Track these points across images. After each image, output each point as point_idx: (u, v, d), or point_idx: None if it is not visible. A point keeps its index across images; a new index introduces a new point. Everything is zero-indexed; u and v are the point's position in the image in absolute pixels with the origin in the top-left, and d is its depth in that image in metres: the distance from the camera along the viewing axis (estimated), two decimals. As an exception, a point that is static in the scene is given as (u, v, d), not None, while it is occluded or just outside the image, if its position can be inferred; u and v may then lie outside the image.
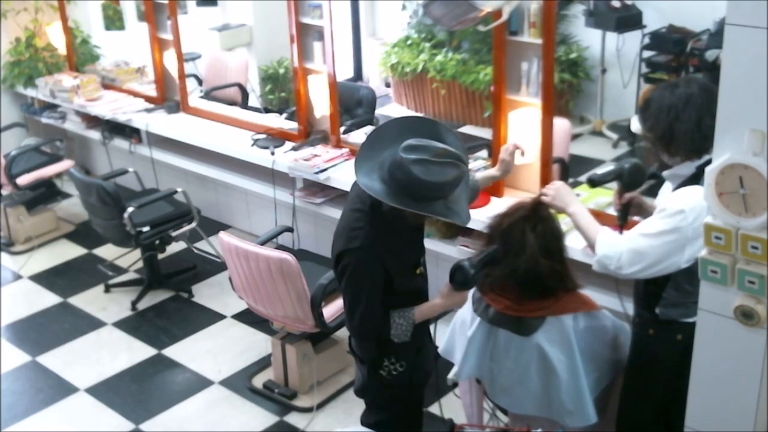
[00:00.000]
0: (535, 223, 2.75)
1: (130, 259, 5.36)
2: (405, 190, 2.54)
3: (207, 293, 5.08)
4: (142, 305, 4.99)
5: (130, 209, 4.72)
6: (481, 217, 3.52)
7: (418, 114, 6.88)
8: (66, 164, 5.86)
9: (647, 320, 2.75)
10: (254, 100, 6.71)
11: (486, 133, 5.16)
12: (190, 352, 4.54)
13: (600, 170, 2.79)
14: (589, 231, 2.69)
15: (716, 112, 2.33)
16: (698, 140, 2.49)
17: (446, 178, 2.52)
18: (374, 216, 2.70)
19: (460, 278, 2.69)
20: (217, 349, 4.54)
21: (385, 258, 2.72)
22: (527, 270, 2.71)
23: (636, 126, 2.68)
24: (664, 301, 2.67)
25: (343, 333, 4.12)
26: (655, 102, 2.56)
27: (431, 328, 3.09)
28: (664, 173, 2.65)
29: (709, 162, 2.41)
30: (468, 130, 6.73)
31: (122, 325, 4.84)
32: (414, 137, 2.57)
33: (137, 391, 4.27)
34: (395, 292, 2.79)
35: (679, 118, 2.49)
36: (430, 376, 3.11)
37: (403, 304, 2.83)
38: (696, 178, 2.49)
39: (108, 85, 6.16)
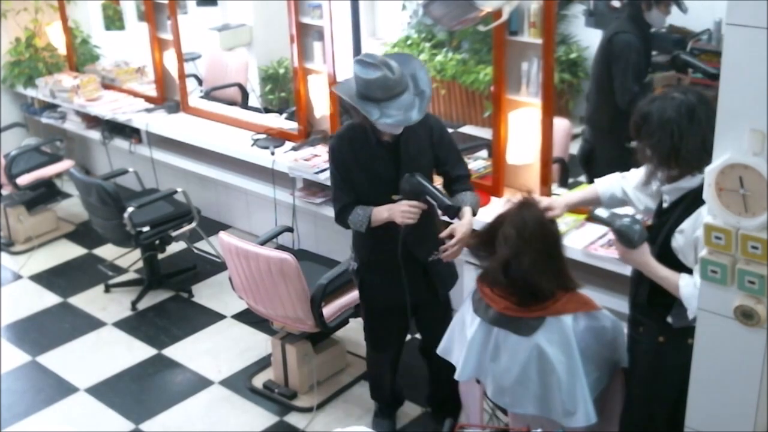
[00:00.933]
0: (526, 222, 2.77)
1: (130, 259, 5.36)
2: (356, 88, 3.07)
3: (207, 293, 5.08)
4: (142, 305, 4.99)
5: (130, 209, 4.72)
6: (481, 217, 3.52)
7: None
8: (66, 164, 5.86)
9: (656, 329, 2.69)
10: (254, 100, 6.71)
11: (486, 133, 5.16)
12: (190, 352, 4.54)
13: (606, 213, 2.69)
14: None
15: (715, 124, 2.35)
16: (705, 157, 2.37)
17: (371, 76, 2.99)
18: (351, 124, 3.26)
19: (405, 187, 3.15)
20: (217, 349, 4.54)
21: (347, 155, 3.23)
22: (518, 269, 2.73)
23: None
24: (676, 310, 2.60)
25: (343, 333, 4.14)
26: (655, 116, 2.46)
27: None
28: (664, 188, 2.59)
29: None
30: (468, 130, 6.72)
31: (122, 325, 4.84)
32: (393, 59, 3.07)
33: (137, 391, 4.27)
34: (366, 199, 3.23)
35: (684, 136, 2.41)
36: (387, 301, 3.43)
37: (379, 229, 3.23)
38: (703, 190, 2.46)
39: (108, 85, 6.16)
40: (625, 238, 2.59)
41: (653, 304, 2.67)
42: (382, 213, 3.20)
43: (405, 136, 3.17)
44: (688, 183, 2.51)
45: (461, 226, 3.13)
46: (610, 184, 2.92)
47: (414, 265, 3.31)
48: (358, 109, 3.06)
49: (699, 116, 2.41)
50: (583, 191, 3.04)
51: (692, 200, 2.49)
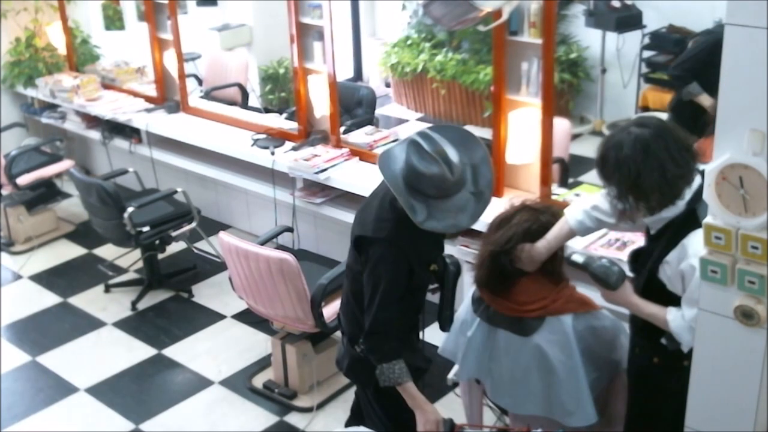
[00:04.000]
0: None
1: (130, 259, 5.36)
2: (404, 173, 2.64)
3: (207, 293, 5.08)
4: (142, 305, 4.99)
5: (130, 209, 4.72)
6: (482, 217, 3.52)
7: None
8: (66, 164, 5.86)
9: (650, 349, 2.65)
10: (254, 100, 6.71)
11: (486, 133, 5.15)
12: (190, 352, 4.54)
13: (581, 257, 2.61)
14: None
15: (677, 155, 2.33)
16: (667, 191, 2.38)
17: (429, 170, 2.59)
18: (401, 211, 2.68)
19: None
20: (217, 349, 4.54)
21: (411, 254, 2.73)
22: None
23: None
24: (671, 333, 2.55)
25: (343, 333, 4.13)
26: (611, 159, 2.40)
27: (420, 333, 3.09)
28: (646, 220, 2.53)
29: (697, 198, 2.39)
30: (468, 130, 6.72)
31: (122, 325, 4.84)
32: (455, 145, 2.66)
33: (137, 391, 4.27)
34: (416, 293, 2.83)
35: (642, 173, 2.35)
36: (417, 371, 3.01)
37: (410, 297, 2.83)
38: (688, 218, 2.41)
39: (108, 85, 6.16)
40: (603, 281, 2.55)
41: (648, 325, 2.63)
42: (418, 398, 2.82)
43: None
44: (669, 213, 2.45)
45: None
46: (579, 213, 2.78)
47: None
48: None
49: (654, 151, 2.34)
50: (555, 231, 2.84)
51: (677, 228, 2.46)
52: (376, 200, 2.83)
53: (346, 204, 4.55)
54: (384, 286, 2.72)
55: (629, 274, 2.71)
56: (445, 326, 3.00)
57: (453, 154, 2.64)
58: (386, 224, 2.73)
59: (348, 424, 3.37)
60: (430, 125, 2.83)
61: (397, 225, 2.71)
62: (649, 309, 2.55)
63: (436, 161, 2.59)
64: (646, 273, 2.56)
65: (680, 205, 2.43)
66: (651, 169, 2.35)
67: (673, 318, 2.48)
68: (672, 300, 2.52)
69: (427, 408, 2.85)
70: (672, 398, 2.58)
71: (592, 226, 2.77)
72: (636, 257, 2.68)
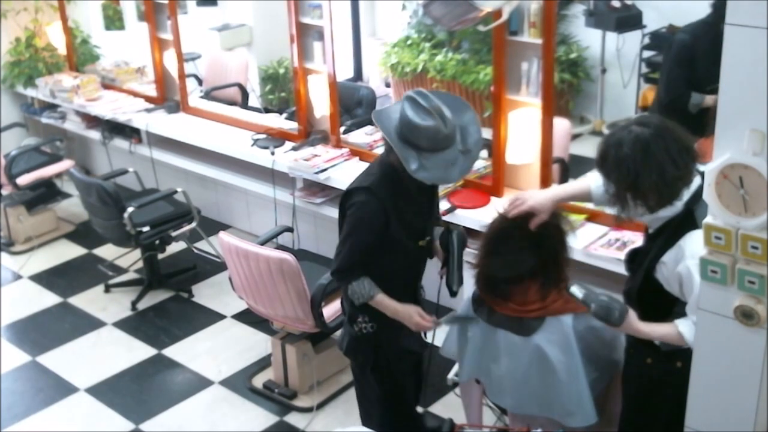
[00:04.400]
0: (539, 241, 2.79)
1: (130, 259, 5.36)
2: (398, 127, 2.79)
3: (207, 293, 5.08)
4: (142, 305, 4.99)
5: (130, 209, 4.72)
6: (481, 218, 3.53)
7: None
8: (66, 164, 5.86)
9: (643, 350, 2.65)
10: (254, 100, 6.71)
11: (486, 133, 5.15)
12: (190, 352, 4.54)
13: (581, 292, 2.56)
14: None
15: (677, 156, 2.33)
16: (665, 192, 2.38)
17: (424, 123, 2.73)
18: (388, 167, 2.89)
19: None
20: (217, 349, 4.54)
21: (388, 208, 2.86)
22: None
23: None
24: None
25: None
26: (610, 157, 2.41)
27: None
28: (644, 218, 2.53)
29: (695, 199, 2.39)
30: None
31: (122, 325, 4.84)
32: (447, 106, 2.81)
33: (137, 391, 4.27)
34: (394, 254, 2.94)
35: (640, 173, 2.35)
36: (411, 354, 3.17)
37: (399, 269, 3.00)
38: (686, 219, 2.41)
39: (108, 85, 6.16)
40: (604, 319, 2.52)
41: None
42: (390, 305, 2.96)
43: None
44: (667, 212, 2.45)
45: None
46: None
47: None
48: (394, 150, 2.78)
49: (653, 151, 2.35)
50: (574, 185, 2.96)
51: (674, 229, 2.45)
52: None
53: (346, 204, 4.55)
54: (358, 229, 2.89)
55: (628, 273, 2.71)
56: (453, 288, 3.01)
57: (447, 111, 2.79)
58: (370, 177, 2.91)
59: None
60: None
61: (381, 179, 2.88)
62: (658, 331, 2.51)
63: (431, 114, 2.74)
64: (643, 273, 2.55)
65: (678, 206, 2.43)
66: (650, 169, 2.35)
67: (687, 330, 2.43)
68: (668, 299, 2.51)
69: (403, 310, 2.97)
70: (666, 399, 2.58)
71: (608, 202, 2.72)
72: (633, 257, 2.68)
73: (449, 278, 3.02)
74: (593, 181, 2.76)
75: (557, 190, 2.94)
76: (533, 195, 2.80)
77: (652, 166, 2.34)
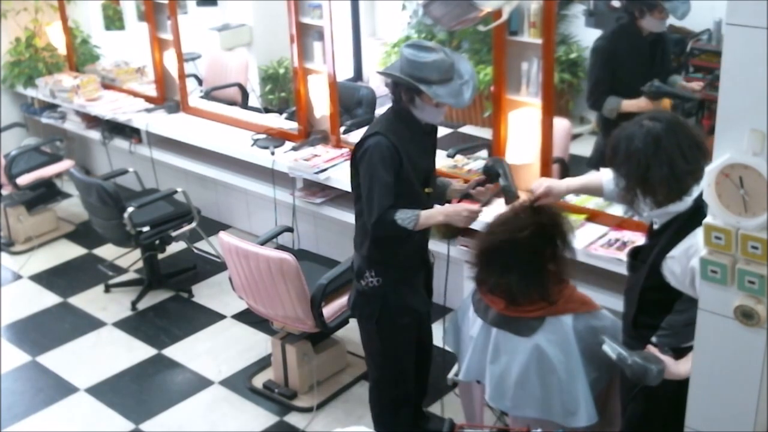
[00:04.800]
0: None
1: (130, 259, 5.36)
2: (407, 71, 3.00)
3: (207, 293, 5.08)
4: (142, 305, 4.99)
5: (130, 209, 4.72)
6: (481, 217, 3.51)
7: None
8: (66, 164, 5.86)
9: (640, 349, 2.59)
10: (254, 100, 6.71)
11: (486, 133, 5.15)
12: (190, 352, 4.54)
13: (614, 352, 2.53)
14: None
15: (688, 151, 2.34)
16: (675, 187, 2.39)
17: (430, 57, 2.97)
18: (394, 114, 3.12)
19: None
20: (217, 349, 4.54)
21: (401, 149, 3.04)
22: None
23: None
24: (661, 331, 2.57)
25: (343, 333, 4.13)
26: (622, 148, 2.43)
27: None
28: (652, 213, 2.52)
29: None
30: (468, 130, 6.72)
31: (122, 325, 4.84)
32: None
33: (137, 391, 4.27)
34: (405, 201, 3.07)
35: (651, 167, 2.37)
36: (412, 315, 3.27)
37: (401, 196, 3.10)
38: (694, 215, 2.38)
39: (108, 85, 6.16)
40: (640, 380, 2.47)
41: (638, 325, 2.64)
42: (435, 216, 3.10)
43: (431, 127, 3.22)
44: (677, 207, 2.45)
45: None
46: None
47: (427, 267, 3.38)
48: (411, 91, 3.01)
49: (665, 145, 2.36)
50: (587, 177, 2.98)
51: (682, 224, 2.45)
52: None
53: (346, 204, 4.54)
54: (374, 175, 3.04)
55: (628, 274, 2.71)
56: (512, 195, 3.08)
57: (442, 47, 3.04)
58: (378, 125, 3.14)
59: None
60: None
61: (389, 124, 3.10)
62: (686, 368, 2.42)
63: (434, 49, 3.00)
64: (648, 267, 2.55)
65: (688, 201, 2.44)
66: (660, 163, 2.36)
67: None
68: (670, 296, 2.51)
69: (452, 209, 3.12)
70: (666, 399, 2.58)
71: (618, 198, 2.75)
72: (635, 254, 2.68)
73: (507, 192, 3.10)
74: (605, 175, 2.79)
75: (572, 181, 3.02)
76: (551, 180, 2.92)
77: (662, 160, 2.36)
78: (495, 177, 3.15)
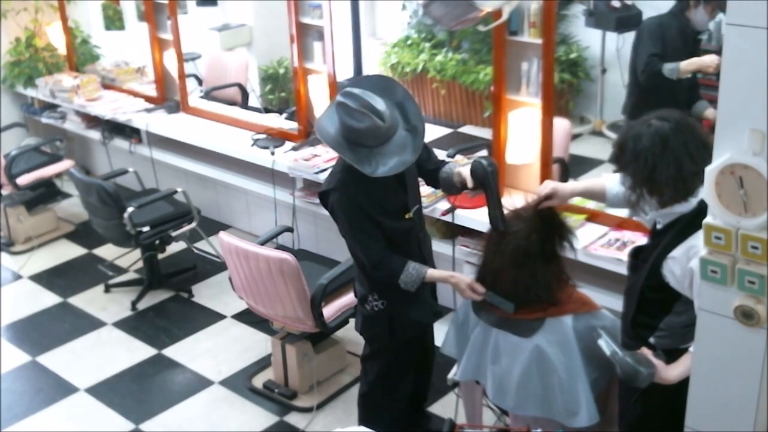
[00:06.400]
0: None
1: (130, 259, 5.36)
2: (343, 133, 2.88)
3: (207, 293, 5.08)
4: (142, 305, 4.99)
5: (130, 209, 4.72)
6: (481, 217, 3.52)
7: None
8: (66, 164, 5.86)
9: (637, 349, 2.60)
10: (254, 100, 6.71)
11: (486, 133, 5.15)
12: (190, 352, 4.54)
13: (608, 348, 2.56)
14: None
15: (695, 152, 2.33)
16: (681, 187, 2.38)
17: (362, 125, 2.81)
18: (347, 167, 2.96)
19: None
20: (217, 349, 4.54)
21: (362, 200, 2.97)
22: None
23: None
24: (659, 332, 2.58)
25: (343, 333, 4.13)
26: (629, 149, 2.42)
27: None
28: (656, 213, 2.52)
29: None
30: (468, 130, 6.72)
31: (122, 325, 4.84)
32: (376, 93, 2.86)
33: (137, 391, 4.27)
34: (385, 233, 3.03)
35: (658, 166, 2.36)
36: (420, 328, 3.30)
37: (392, 244, 3.06)
38: (698, 216, 2.33)
39: (108, 85, 6.16)
40: (630, 382, 2.49)
41: (637, 325, 2.63)
42: (442, 273, 3.07)
43: None
44: (681, 208, 2.45)
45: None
46: (618, 182, 2.81)
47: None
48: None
49: (672, 145, 2.35)
50: (591, 182, 2.97)
51: (685, 224, 2.45)
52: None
53: (346, 204, 4.55)
54: (351, 228, 3.01)
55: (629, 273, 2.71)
56: (497, 225, 2.91)
57: (379, 103, 2.84)
58: (335, 176, 3.03)
59: None
60: (352, 84, 2.98)
61: (344, 176, 2.98)
62: (688, 364, 2.43)
63: (365, 115, 2.81)
64: (649, 267, 2.55)
65: (693, 202, 2.43)
66: (667, 163, 2.35)
67: None
68: (670, 297, 2.51)
69: (453, 278, 3.02)
70: (665, 399, 2.58)
71: (620, 203, 2.76)
72: (637, 253, 2.68)
73: (491, 215, 2.94)
74: (608, 181, 2.79)
75: (576, 184, 3.03)
76: (556, 183, 2.90)
77: (669, 159, 2.35)
78: (480, 184, 3.03)
